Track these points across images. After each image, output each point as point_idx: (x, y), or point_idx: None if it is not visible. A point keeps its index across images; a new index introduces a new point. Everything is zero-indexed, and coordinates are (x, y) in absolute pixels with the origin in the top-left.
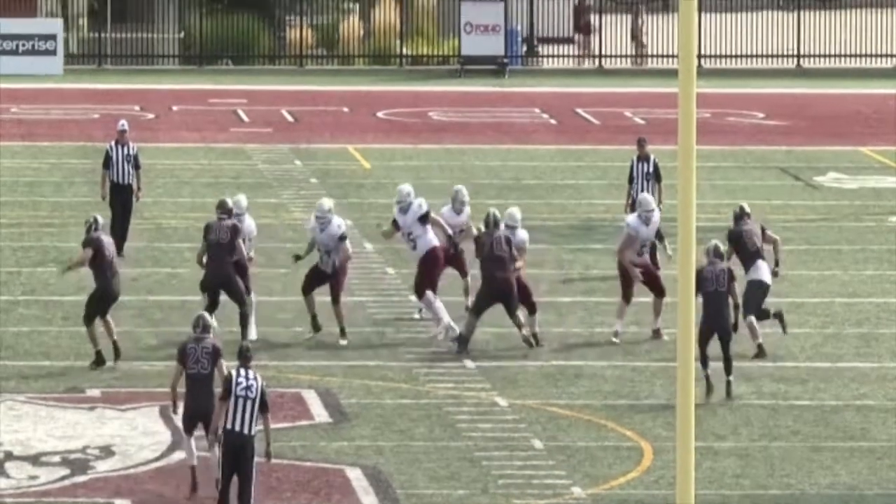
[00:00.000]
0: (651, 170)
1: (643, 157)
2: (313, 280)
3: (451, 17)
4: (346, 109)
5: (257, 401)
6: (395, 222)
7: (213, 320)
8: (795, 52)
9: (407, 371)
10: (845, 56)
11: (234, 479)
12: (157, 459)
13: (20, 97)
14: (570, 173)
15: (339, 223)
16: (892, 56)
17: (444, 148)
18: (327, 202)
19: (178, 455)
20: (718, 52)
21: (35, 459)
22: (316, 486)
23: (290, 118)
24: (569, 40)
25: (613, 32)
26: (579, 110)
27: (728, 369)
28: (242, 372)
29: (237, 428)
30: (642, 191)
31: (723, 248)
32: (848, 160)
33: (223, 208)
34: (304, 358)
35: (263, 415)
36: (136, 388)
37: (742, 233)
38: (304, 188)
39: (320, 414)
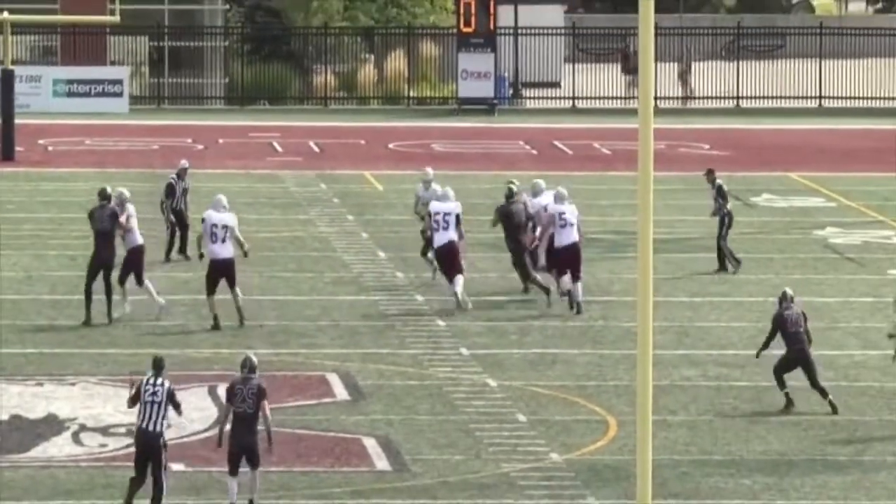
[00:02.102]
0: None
1: (710, 182)
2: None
3: (450, 66)
4: (362, 142)
5: (164, 403)
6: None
7: (255, 359)
8: (735, 94)
9: (413, 357)
10: (777, 98)
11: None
12: (205, 430)
13: (93, 132)
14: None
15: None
16: (816, 98)
17: (444, 173)
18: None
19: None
20: (672, 94)
21: (105, 430)
22: (337, 452)
23: (316, 149)
24: (551, 84)
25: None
26: (556, 142)
27: (824, 392)
28: (152, 380)
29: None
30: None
31: (790, 292)
32: (779, 183)
33: (103, 195)
34: (328, 346)
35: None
36: (188, 372)
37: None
38: (327, 207)
39: (341, 393)
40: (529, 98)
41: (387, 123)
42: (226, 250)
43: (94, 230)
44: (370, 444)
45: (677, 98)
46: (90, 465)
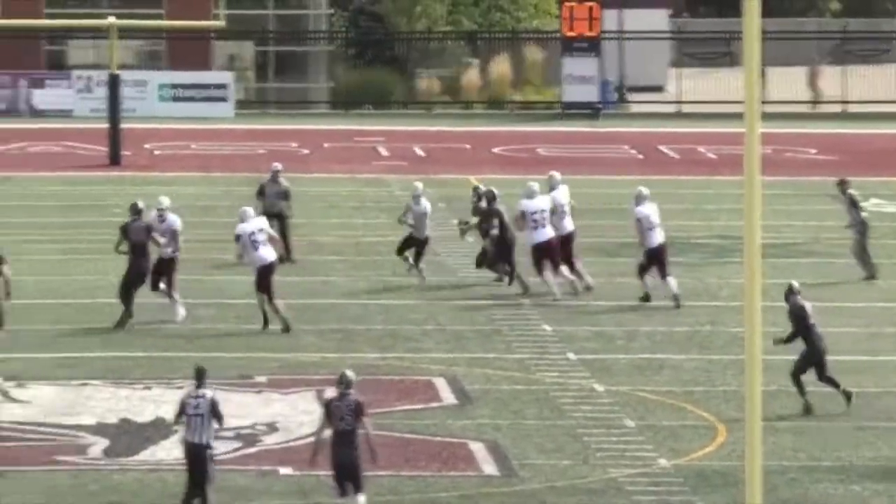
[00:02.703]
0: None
1: (843, 193)
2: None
3: (554, 70)
4: (467, 146)
5: (207, 415)
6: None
7: (351, 374)
8: (841, 98)
9: (520, 362)
10: (884, 102)
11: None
12: (314, 434)
13: (198, 136)
14: (653, 199)
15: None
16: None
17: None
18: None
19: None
20: (780, 98)
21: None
22: (444, 456)
23: (421, 153)
24: (656, 88)
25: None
26: (661, 147)
27: (836, 383)
28: (194, 391)
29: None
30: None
31: (796, 285)
32: (887, 188)
33: (134, 210)
34: (435, 351)
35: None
36: (296, 376)
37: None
38: (433, 211)
39: (448, 397)
40: (634, 102)
41: (491, 128)
42: (270, 253)
43: (129, 243)
44: (477, 448)
45: (782, 102)
46: None
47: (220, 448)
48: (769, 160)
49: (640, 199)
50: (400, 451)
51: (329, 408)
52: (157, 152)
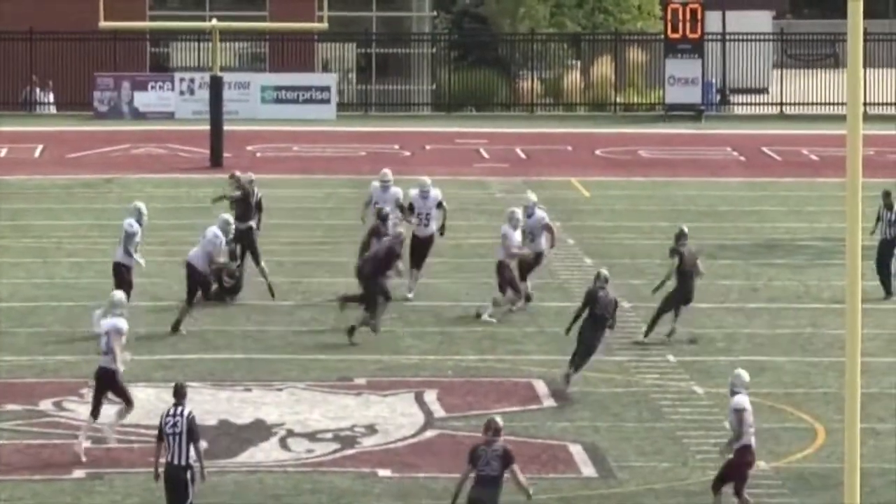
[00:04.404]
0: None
1: (888, 206)
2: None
3: (657, 72)
4: (569, 148)
5: (184, 434)
6: (411, 205)
7: (500, 422)
8: None
9: (619, 364)
10: None
11: None
12: (413, 436)
13: (300, 138)
14: (755, 201)
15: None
16: None
17: (651, 180)
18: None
19: (430, 433)
20: (881, 101)
21: (312, 436)
22: (544, 458)
23: (522, 155)
24: (759, 90)
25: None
26: (764, 149)
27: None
28: (172, 409)
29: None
30: (884, 235)
31: (604, 272)
32: None
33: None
34: (535, 353)
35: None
36: (395, 378)
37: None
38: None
39: (547, 399)
40: (737, 104)
41: (593, 129)
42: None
43: None
44: (576, 450)
45: (884, 104)
46: (297, 471)
47: (319, 450)
48: (871, 162)
49: (527, 209)
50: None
51: (475, 453)
52: (258, 154)
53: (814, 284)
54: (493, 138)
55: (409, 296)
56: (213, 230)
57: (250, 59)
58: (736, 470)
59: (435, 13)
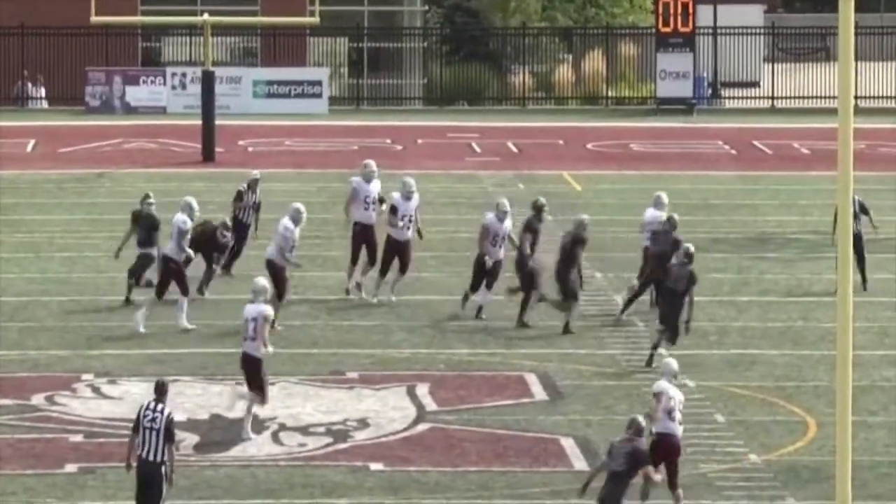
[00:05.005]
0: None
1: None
2: None
3: (648, 66)
4: (560, 142)
5: (161, 431)
6: (393, 207)
7: (641, 420)
8: None
9: (611, 358)
10: None
11: None
12: (404, 430)
13: (292, 133)
14: (747, 195)
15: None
16: None
17: (643, 174)
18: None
19: (422, 427)
20: (872, 94)
21: (304, 430)
22: (536, 452)
23: (514, 149)
24: (750, 84)
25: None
26: (755, 142)
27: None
28: (152, 405)
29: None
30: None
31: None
32: None
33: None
34: (527, 347)
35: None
36: (387, 372)
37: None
38: (526, 207)
39: (539, 393)
40: (728, 98)
41: (585, 123)
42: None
43: None
44: (568, 444)
45: (875, 97)
46: (289, 465)
47: (311, 444)
48: (863, 155)
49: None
50: (490, 446)
51: (610, 449)
52: (250, 149)
53: (805, 278)
54: (485, 132)
55: (374, 300)
56: (284, 222)
57: (242, 53)
58: (654, 455)
59: (426, 7)
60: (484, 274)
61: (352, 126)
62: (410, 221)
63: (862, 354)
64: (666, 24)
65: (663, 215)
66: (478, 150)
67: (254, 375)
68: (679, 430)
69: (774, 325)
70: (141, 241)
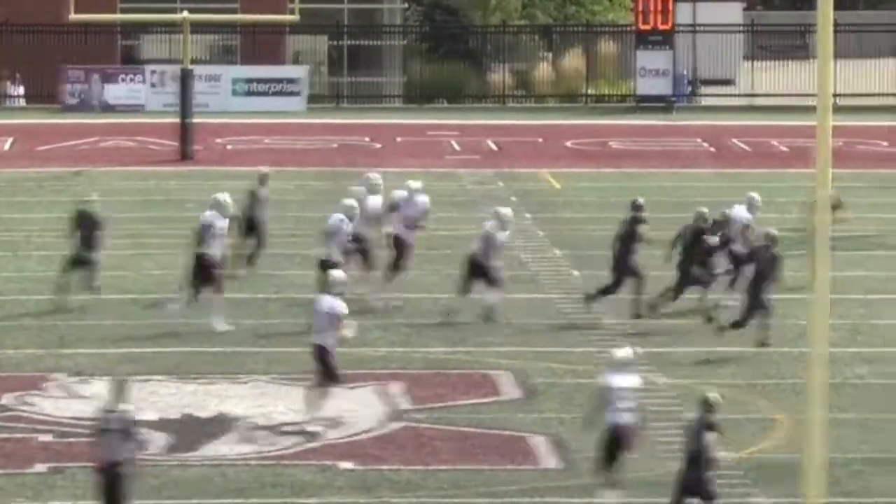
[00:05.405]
0: None
1: None
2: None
3: (628, 63)
4: (540, 140)
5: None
6: (396, 205)
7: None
8: None
9: (585, 355)
10: None
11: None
12: (376, 429)
13: (271, 131)
14: (726, 192)
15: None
16: None
17: (622, 171)
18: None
19: (394, 426)
20: (851, 91)
21: (274, 429)
22: (508, 450)
23: (494, 147)
24: (729, 81)
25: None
26: (734, 140)
27: None
28: (111, 406)
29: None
30: None
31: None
32: None
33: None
34: (500, 345)
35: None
36: (362, 370)
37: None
38: (505, 205)
39: (513, 391)
40: (707, 95)
41: (564, 121)
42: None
43: None
44: (541, 442)
45: (853, 94)
46: (259, 464)
47: (282, 443)
48: (841, 153)
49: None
50: (462, 445)
51: (687, 430)
52: (229, 147)
53: (784, 275)
54: (465, 130)
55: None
56: (335, 217)
57: (221, 51)
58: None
59: (406, 5)
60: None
61: (331, 124)
62: (413, 222)
63: (834, 352)
64: (645, 21)
65: (751, 217)
66: (457, 147)
67: (325, 364)
68: (631, 418)
69: (750, 323)
70: (82, 242)
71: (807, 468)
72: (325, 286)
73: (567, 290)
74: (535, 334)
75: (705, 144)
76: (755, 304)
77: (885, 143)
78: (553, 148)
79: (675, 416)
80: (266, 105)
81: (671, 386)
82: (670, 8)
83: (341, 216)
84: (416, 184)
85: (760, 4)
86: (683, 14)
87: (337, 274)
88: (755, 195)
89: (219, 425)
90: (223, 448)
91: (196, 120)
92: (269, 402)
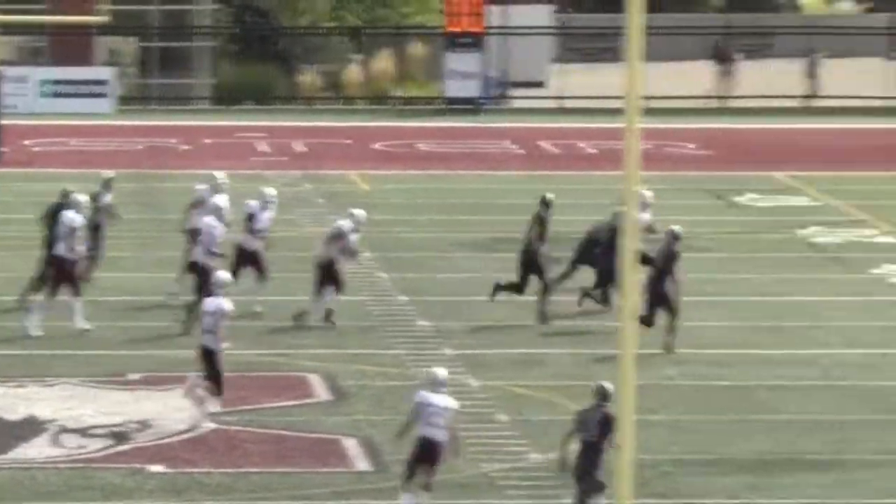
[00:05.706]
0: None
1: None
2: None
3: (437, 66)
4: (348, 142)
5: None
6: (251, 216)
7: (608, 387)
8: (721, 94)
9: (396, 358)
10: (763, 97)
11: None
12: (186, 431)
13: (79, 132)
14: (533, 195)
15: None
16: (796, 97)
17: (429, 174)
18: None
19: (205, 426)
20: (662, 94)
21: (84, 432)
22: (318, 452)
23: (302, 149)
24: (538, 84)
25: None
26: (542, 142)
27: None
28: None
29: None
30: None
31: None
32: (763, 183)
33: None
34: (311, 347)
35: None
36: (172, 374)
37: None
38: (313, 207)
39: (323, 394)
40: (516, 98)
41: (373, 123)
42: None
43: None
44: (352, 444)
45: (662, 97)
46: (68, 467)
47: (91, 446)
48: (649, 155)
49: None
50: (273, 447)
51: (580, 417)
52: (36, 149)
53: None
54: (273, 132)
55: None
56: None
57: (30, 52)
58: (418, 456)
59: (217, 6)
60: None
61: (140, 126)
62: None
63: (645, 353)
64: (455, 23)
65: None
66: (265, 149)
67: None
68: (441, 435)
69: (562, 324)
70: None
71: (617, 469)
72: (208, 288)
73: (376, 292)
74: (344, 336)
75: (514, 146)
76: (656, 301)
77: (692, 146)
78: (361, 150)
79: (488, 417)
80: (74, 107)
81: (483, 388)
82: (481, 11)
83: (212, 218)
84: (271, 191)
85: (570, 7)
86: (495, 16)
87: (221, 275)
88: (646, 192)
89: (28, 428)
90: (32, 451)
91: (4, 122)
92: (78, 405)
